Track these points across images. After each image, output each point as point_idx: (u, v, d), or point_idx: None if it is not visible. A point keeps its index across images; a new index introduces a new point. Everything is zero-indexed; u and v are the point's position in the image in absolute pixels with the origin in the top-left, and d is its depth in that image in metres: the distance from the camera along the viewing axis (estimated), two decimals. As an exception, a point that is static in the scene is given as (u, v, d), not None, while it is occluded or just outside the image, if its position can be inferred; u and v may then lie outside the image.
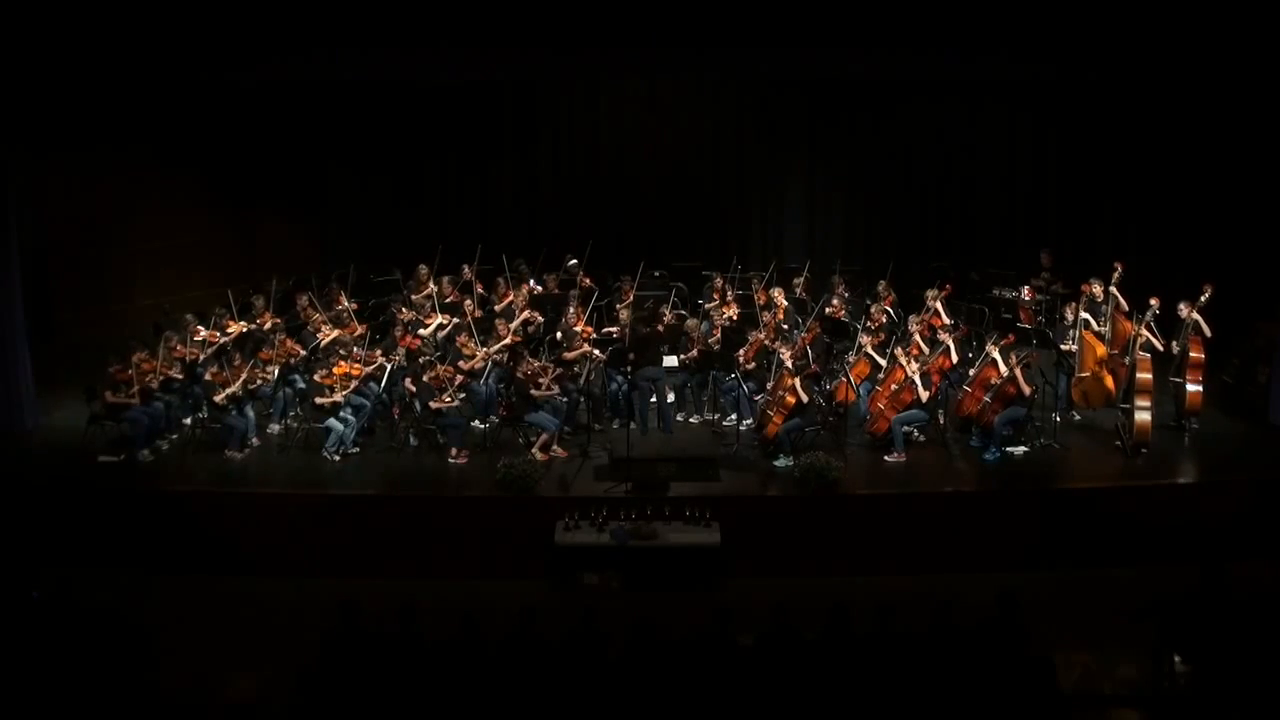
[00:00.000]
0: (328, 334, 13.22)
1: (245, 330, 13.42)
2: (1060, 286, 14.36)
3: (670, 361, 12.78)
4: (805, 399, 11.79)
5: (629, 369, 12.61)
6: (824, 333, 13.34)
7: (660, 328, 13.15)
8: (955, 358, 12.41)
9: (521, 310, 13.64)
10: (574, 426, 12.62)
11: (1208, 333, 12.40)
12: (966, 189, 16.87)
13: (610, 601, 9.84)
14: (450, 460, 12.03)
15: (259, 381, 12.45)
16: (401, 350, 12.87)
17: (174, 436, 12.54)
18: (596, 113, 17.17)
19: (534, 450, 11.96)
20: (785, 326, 13.36)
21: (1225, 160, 15.20)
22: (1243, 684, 8.23)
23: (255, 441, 12.45)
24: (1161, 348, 12.49)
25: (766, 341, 12.75)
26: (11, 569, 9.74)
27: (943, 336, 12.43)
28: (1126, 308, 13.06)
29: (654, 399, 12.97)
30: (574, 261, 14.78)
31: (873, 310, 13.32)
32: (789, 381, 11.83)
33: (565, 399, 12.50)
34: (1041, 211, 16.65)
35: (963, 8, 12.70)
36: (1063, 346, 12.82)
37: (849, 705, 7.75)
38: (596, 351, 13.00)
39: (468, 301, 13.71)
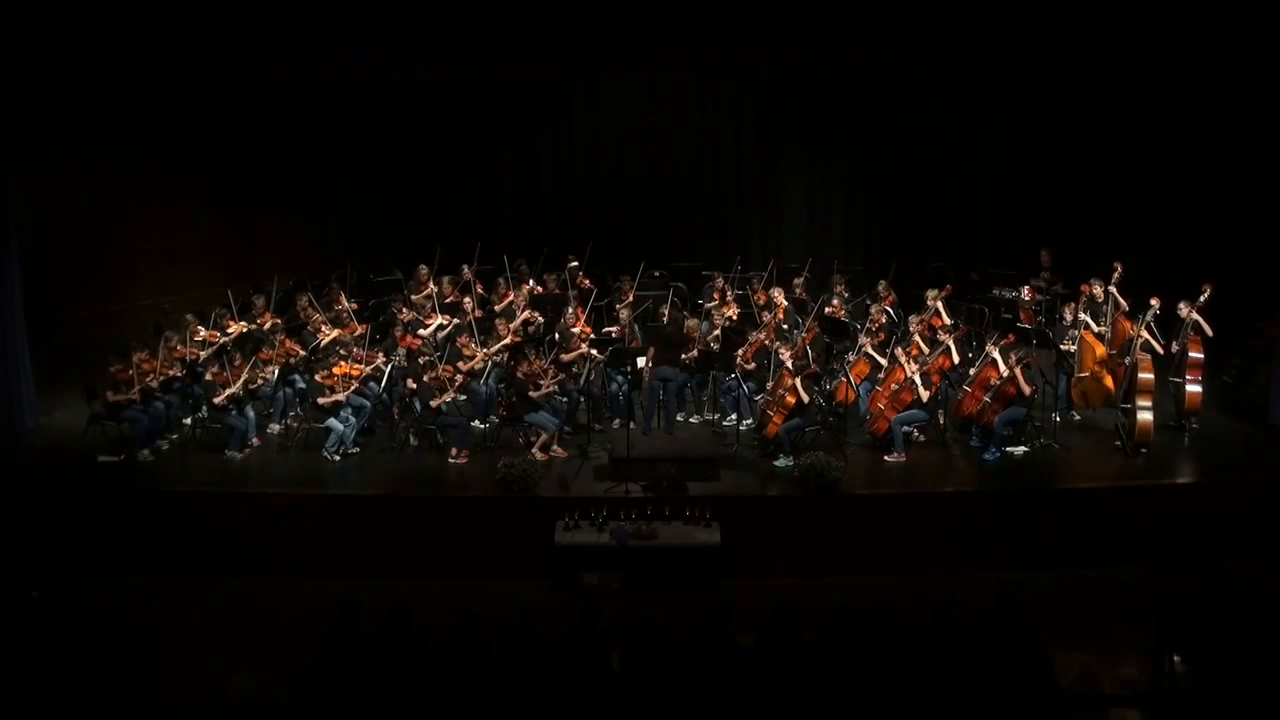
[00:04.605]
0: (328, 334, 13.22)
1: (245, 330, 13.42)
2: (1060, 286, 14.34)
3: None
4: (805, 399, 11.79)
5: (641, 366, 12.60)
6: (824, 333, 13.34)
7: (683, 328, 13.13)
8: (955, 358, 12.41)
9: (521, 310, 13.64)
10: (574, 426, 12.62)
11: (1208, 332, 12.41)
12: (966, 189, 16.86)
13: (610, 601, 9.83)
14: (450, 460, 12.03)
15: (259, 381, 12.46)
16: (402, 350, 12.87)
17: (174, 436, 12.54)
18: (596, 113, 17.16)
19: (534, 450, 11.96)
20: (785, 326, 13.36)
21: (1225, 160, 15.20)
22: (1243, 684, 8.23)
23: (255, 441, 12.45)
24: (1161, 350, 12.49)
25: (766, 341, 12.76)
26: (11, 569, 9.74)
27: (943, 336, 12.43)
28: (1127, 307, 13.07)
29: (662, 397, 12.98)
30: (575, 263, 14.78)
31: (873, 310, 13.32)
32: (789, 381, 11.83)
33: (565, 399, 12.50)
34: (1041, 211, 16.65)
35: (964, 8, 12.70)
36: (1062, 346, 12.82)
37: (849, 705, 7.75)
38: (595, 352, 12.99)
39: (468, 301, 13.72)
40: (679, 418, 13.20)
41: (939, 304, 13.28)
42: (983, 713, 7.78)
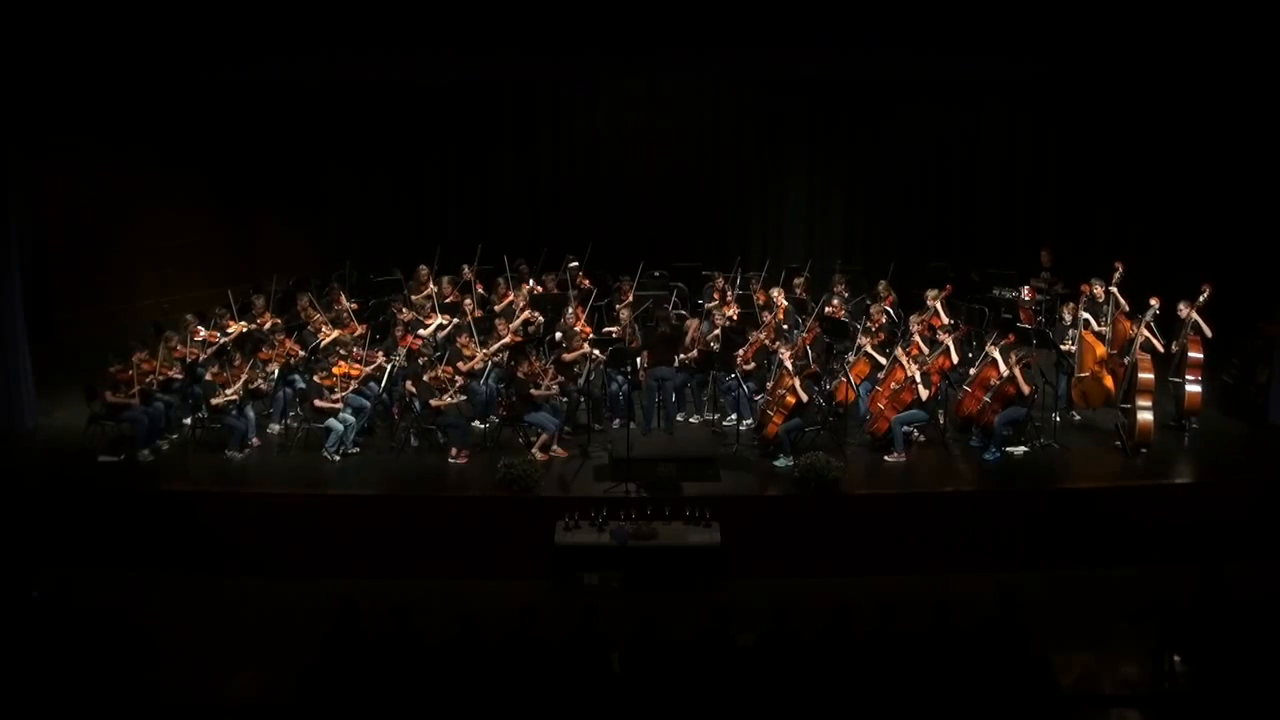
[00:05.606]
0: (328, 334, 13.22)
1: (245, 330, 13.42)
2: (1060, 286, 14.35)
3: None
4: (805, 399, 11.79)
5: (640, 367, 12.59)
6: (824, 333, 13.34)
7: (681, 328, 13.12)
8: (955, 358, 12.41)
9: (521, 310, 13.64)
10: (574, 426, 12.62)
11: (1208, 333, 12.41)
12: (966, 189, 16.87)
13: (610, 601, 9.84)
14: (450, 460, 12.03)
15: (259, 382, 12.46)
16: (402, 350, 12.87)
17: (174, 436, 12.54)
18: (596, 112, 17.16)
19: (534, 450, 11.96)
20: (785, 326, 13.37)
21: (1224, 160, 15.20)
22: (1243, 684, 8.23)
23: (255, 441, 12.45)
24: (1161, 349, 12.49)
25: (766, 341, 12.76)
26: (11, 569, 9.74)
27: (942, 337, 12.43)
28: (1127, 308, 13.07)
29: (659, 398, 12.97)
30: (575, 263, 14.78)
31: (873, 310, 13.32)
32: (789, 381, 11.83)
33: (565, 399, 12.50)
34: (1041, 211, 16.64)
35: (963, 8, 12.71)
36: (1062, 346, 12.83)
37: (849, 705, 7.75)
38: (596, 352, 13.00)
39: (468, 301, 13.72)
40: (679, 418, 13.20)
41: (939, 304, 13.29)
42: (983, 713, 7.78)
